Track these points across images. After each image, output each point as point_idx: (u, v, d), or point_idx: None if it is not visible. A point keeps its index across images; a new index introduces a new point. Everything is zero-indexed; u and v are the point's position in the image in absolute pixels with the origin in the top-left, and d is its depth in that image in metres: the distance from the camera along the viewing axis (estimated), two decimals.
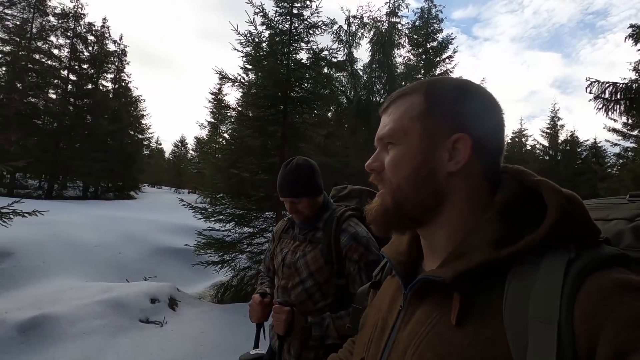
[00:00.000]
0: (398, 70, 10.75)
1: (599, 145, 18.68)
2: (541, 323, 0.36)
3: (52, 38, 17.86)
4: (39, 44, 17.34)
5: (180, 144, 39.39)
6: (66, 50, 18.25)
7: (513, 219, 0.46)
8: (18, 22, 16.47)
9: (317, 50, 6.23)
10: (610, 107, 6.96)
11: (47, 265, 5.47)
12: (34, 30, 17.08)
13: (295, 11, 6.08)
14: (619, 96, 6.86)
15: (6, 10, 15.29)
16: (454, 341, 0.42)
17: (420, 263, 0.56)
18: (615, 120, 13.91)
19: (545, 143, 19.26)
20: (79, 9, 18.68)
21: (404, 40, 11.48)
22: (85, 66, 19.11)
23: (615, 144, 15.41)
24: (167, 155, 42.68)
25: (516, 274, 0.41)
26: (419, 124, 0.51)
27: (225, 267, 5.72)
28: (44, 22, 17.58)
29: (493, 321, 0.40)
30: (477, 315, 0.42)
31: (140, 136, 23.31)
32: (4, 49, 16.35)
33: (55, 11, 17.89)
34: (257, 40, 5.96)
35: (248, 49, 5.98)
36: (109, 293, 4.30)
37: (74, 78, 18.64)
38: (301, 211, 1.32)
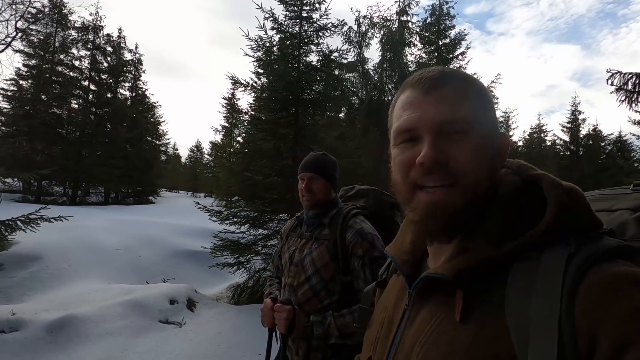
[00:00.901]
0: (410, 69, 10.65)
1: (624, 139, 17.86)
2: (542, 318, 0.36)
3: (74, 50, 18.67)
4: (62, 56, 18.12)
5: (196, 149, 40.21)
6: (86, 61, 19.02)
7: (514, 214, 0.46)
8: (42, 37, 17.27)
9: (327, 52, 6.26)
10: (633, 99, 6.67)
11: (73, 268, 5.70)
12: (57, 44, 17.87)
13: (304, 14, 6.13)
14: None
15: (31, 26, 16.03)
16: (458, 339, 0.42)
17: (424, 261, 0.56)
18: None
19: (566, 138, 18.54)
20: (98, 22, 19.43)
21: (415, 39, 11.36)
22: (104, 76, 19.83)
23: None
24: (183, 160, 43.65)
25: (517, 269, 0.41)
26: (485, 117, 0.49)
27: (241, 269, 5.80)
28: (65, 36, 18.37)
29: (496, 318, 0.40)
30: (481, 312, 0.42)
31: (157, 142, 23.91)
32: (30, 63, 17.18)
33: (76, 25, 18.68)
34: (267, 44, 6.04)
35: (259, 53, 6.08)
36: (130, 295, 4.44)
37: (94, 88, 19.38)
38: (315, 192, 1.36)
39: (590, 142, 18.05)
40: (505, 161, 0.51)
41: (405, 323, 0.51)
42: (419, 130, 0.47)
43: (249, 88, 6.37)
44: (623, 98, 6.67)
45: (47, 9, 17.00)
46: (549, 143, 23.46)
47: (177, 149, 44.03)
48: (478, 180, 0.46)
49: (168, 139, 26.00)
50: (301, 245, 1.38)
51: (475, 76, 0.52)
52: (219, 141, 26.26)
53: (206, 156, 36.93)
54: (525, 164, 0.51)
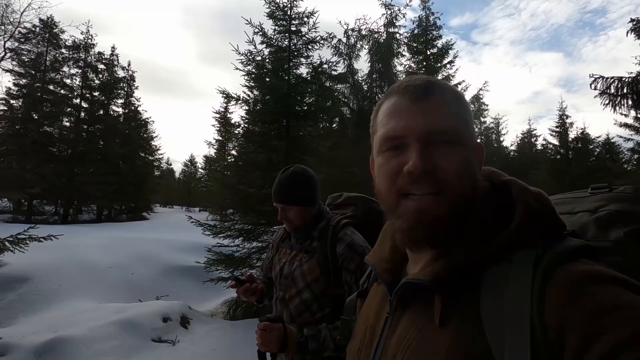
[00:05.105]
0: (399, 79, 10.82)
1: (612, 141, 18.21)
2: (515, 318, 0.38)
3: (65, 69, 18.68)
4: (53, 75, 18.09)
5: (189, 163, 40.09)
6: (78, 79, 19.00)
7: (487, 218, 0.47)
8: (33, 56, 17.28)
9: (316, 64, 6.37)
10: (617, 103, 6.84)
11: (63, 288, 5.57)
12: (48, 63, 17.87)
13: (293, 28, 6.24)
14: (625, 90, 6.74)
15: (21, 46, 16.06)
16: (438, 343, 0.43)
17: (404, 268, 0.57)
18: (625, 115, 13.61)
19: (556, 142, 18.88)
20: (89, 40, 19.50)
21: (404, 49, 11.60)
22: (96, 93, 19.79)
23: (629, 139, 15.08)
24: (177, 175, 43.42)
25: (492, 272, 0.43)
26: (468, 128, 0.50)
27: None
28: (57, 54, 18.40)
29: (473, 320, 0.41)
30: (459, 316, 0.43)
31: (150, 158, 23.76)
32: (20, 82, 17.13)
33: (67, 43, 18.72)
34: (257, 58, 6.13)
35: (249, 67, 6.15)
36: (122, 314, 4.34)
37: (86, 105, 19.30)
38: (291, 220, 1.33)
39: (579, 145, 18.35)
40: (481, 170, 0.53)
41: (387, 331, 0.51)
42: (407, 139, 0.47)
43: (240, 101, 6.43)
44: (607, 102, 6.84)
45: (37, 29, 17.08)
46: (540, 147, 23.81)
47: (170, 164, 43.87)
48: (463, 190, 0.46)
49: (161, 154, 25.92)
50: (291, 257, 1.36)
51: (462, 84, 0.54)
52: (213, 155, 26.22)
53: (200, 170, 36.80)
54: (497, 171, 0.53)
